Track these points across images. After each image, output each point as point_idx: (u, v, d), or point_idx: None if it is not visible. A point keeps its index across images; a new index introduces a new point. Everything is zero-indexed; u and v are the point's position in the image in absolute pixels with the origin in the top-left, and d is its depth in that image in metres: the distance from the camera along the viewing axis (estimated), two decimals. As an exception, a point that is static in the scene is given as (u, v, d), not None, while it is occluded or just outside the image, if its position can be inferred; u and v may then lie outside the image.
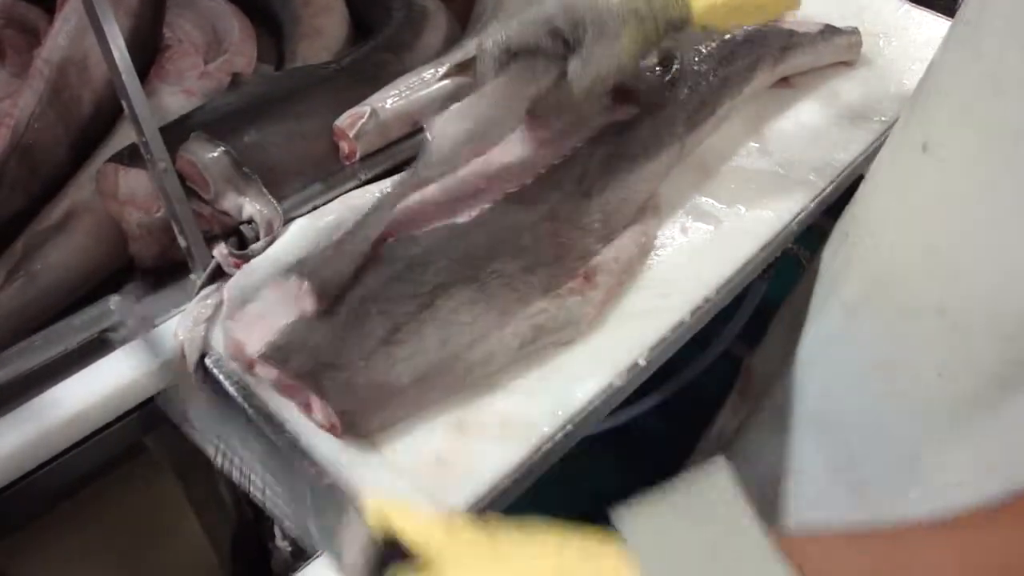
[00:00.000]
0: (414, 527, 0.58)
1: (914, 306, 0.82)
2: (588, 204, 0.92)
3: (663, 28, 0.92)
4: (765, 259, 1.03)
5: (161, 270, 0.96)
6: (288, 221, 0.94)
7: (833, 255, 1.02)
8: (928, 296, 0.80)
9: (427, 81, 1.05)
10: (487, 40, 0.90)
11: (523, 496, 0.80)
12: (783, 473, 1.02)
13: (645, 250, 0.97)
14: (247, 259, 0.91)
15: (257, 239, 0.93)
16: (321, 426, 0.76)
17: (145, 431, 0.90)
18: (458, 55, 1.11)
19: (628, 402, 0.91)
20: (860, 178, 1.37)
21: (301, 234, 0.92)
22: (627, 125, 0.99)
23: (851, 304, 0.93)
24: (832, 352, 0.96)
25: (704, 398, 2.45)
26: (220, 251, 0.90)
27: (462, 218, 0.83)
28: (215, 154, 0.91)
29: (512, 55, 0.90)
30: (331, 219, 0.92)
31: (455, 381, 0.80)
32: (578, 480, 2.10)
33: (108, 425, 0.85)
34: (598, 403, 0.83)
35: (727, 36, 1.16)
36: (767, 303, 1.88)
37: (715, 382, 2.31)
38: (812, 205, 1.10)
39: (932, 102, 0.81)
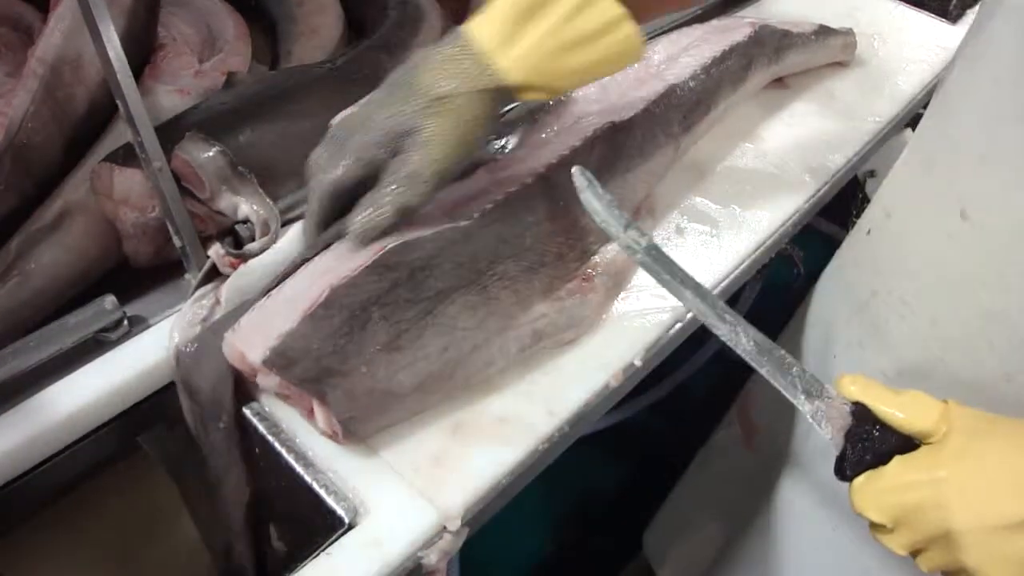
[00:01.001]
0: (901, 403, 0.63)
1: (977, 376, 0.79)
2: None
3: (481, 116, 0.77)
4: (760, 259, 1.04)
5: (156, 270, 0.96)
6: (286, 223, 0.94)
7: (848, 317, 1.00)
8: (992, 364, 0.77)
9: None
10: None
11: (521, 493, 0.81)
12: None
13: None
14: (244, 259, 0.90)
15: (253, 239, 0.93)
16: (323, 433, 0.76)
17: (139, 431, 0.90)
18: (454, 55, 1.11)
19: (623, 400, 0.91)
20: (855, 179, 1.38)
21: (301, 236, 0.91)
22: (623, 126, 0.99)
23: (892, 376, 0.89)
24: None
25: (698, 397, 2.47)
26: (216, 251, 0.90)
27: (464, 220, 0.83)
28: (210, 153, 0.90)
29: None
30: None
31: (455, 386, 0.80)
32: (572, 477, 2.11)
33: (102, 426, 0.85)
34: (594, 404, 0.83)
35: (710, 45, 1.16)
36: (762, 302, 1.88)
37: (710, 380, 2.32)
38: (807, 206, 1.11)
39: (970, 169, 0.78)
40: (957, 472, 0.59)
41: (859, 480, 0.63)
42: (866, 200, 1.60)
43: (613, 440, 1.62)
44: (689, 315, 0.92)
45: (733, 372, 2.33)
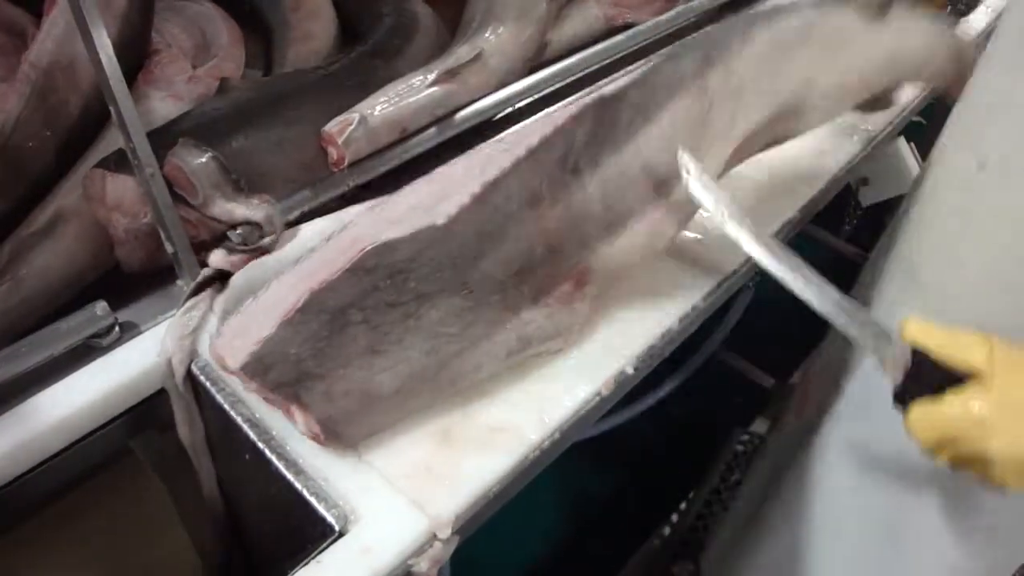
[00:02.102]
0: (954, 343, 0.72)
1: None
2: (579, 182, 0.86)
3: None
4: (752, 267, 1.04)
5: (148, 275, 0.96)
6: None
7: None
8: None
9: (416, 88, 1.05)
10: None
11: (510, 499, 0.81)
12: None
13: (655, 248, 0.92)
14: (260, 253, 0.92)
15: (246, 244, 0.93)
16: (305, 435, 0.76)
17: (131, 436, 0.90)
18: (448, 61, 1.11)
19: (616, 406, 0.91)
20: (848, 187, 1.39)
21: (314, 238, 0.91)
22: (614, 94, 0.90)
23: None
24: None
25: (692, 403, 2.47)
26: (219, 257, 0.91)
27: (441, 219, 0.81)
28: (203, 160, 0.91)
29: None
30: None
31: (440, 389, 0.80)
32: (566, 484, 2.11)
33: (94, 431, 0.85)
34: (585, 412, 0.83)
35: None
36: (754, 309, 1.89)
37: (703, 387, 2.32)
38: (799, 214, 1.11)
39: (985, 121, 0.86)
40: (997, 405, 0.69)
41: (914, 408, 0.73)
42: (859, 207, 1.61)
43: (608, 445, 1.63)
44: (679, 323, 0.93)
45: (725, 379, 2.35)
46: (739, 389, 2.53)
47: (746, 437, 2.38)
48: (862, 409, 1.10)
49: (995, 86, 0.90)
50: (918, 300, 1.01)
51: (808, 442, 1.23)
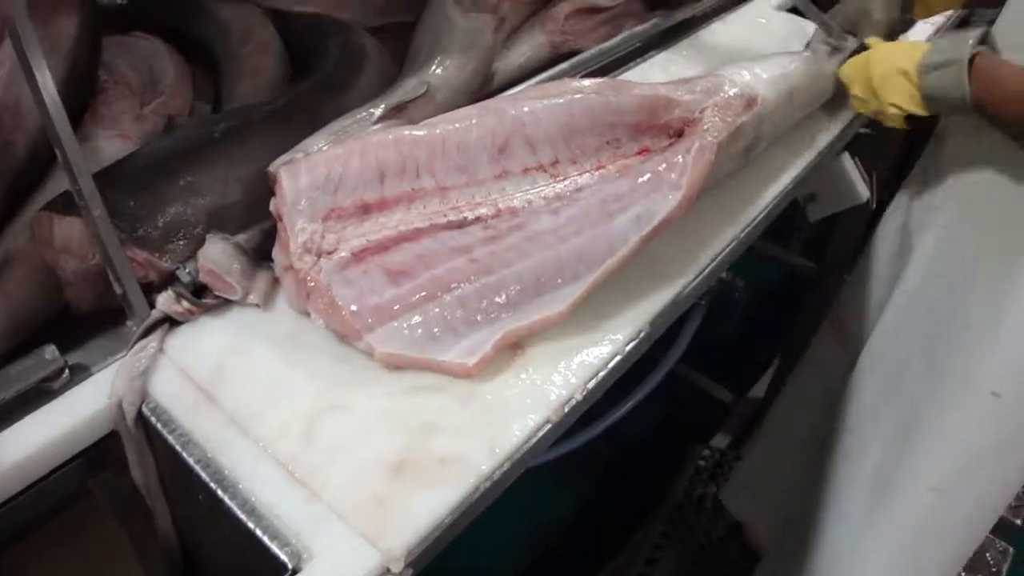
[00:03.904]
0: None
1: None
2: None
3: None
4: (697, 289, 1.05)
5: (98, 316, 0.96)
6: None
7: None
8: None
9: (362, 123, 1.06)
10: None
11: (472, 525, 0.81)
12: None
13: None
14: (204, 309, 0.93)
15: (195, 283, 0.93)
16: None
17: (87, 477, 0.90)
18: (395, 96, 1.12)
19: (575, 427, 0.92)
20: (795, 202, 1.41)
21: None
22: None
23: None
24: None
25: (652, 420, 2.49)
26: (166, 299, 0.91)
27: None
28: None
29: None
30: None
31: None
32: (527, 507, 2.11)
33: (48, 475, 0.84)
34: (535, 440, 0.84)
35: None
36: (708, 325, 1.91)
37: (663, 404, 2.34)
38: (743, 234, 1.13)
39: None
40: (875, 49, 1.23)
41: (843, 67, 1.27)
42: (806, 222, 1.64)
43: (569, 466, 1.63)
44: (629, 347, 0.94)
45: (684, 395, 2.36)
46: (699, 405, 2.55)
47: (707, 452, 2.40)
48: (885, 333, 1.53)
49: None
50: None
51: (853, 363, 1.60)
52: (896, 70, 1.18)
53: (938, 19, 1.79)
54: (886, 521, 1.48)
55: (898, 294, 1.49)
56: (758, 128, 1.12)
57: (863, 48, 1.28)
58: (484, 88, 1.31)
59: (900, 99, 1.18)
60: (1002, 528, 2.20)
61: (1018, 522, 2.29)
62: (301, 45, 1.35)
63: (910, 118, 1.20)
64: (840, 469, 1.61)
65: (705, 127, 1.02)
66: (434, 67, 1.21)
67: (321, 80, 1.20)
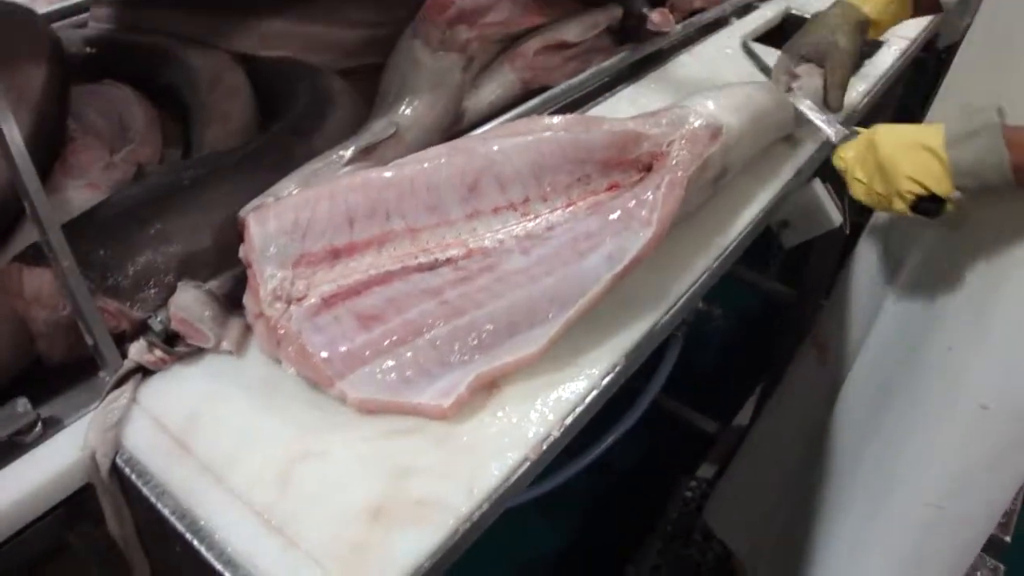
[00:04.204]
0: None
1: None
2: None
3: None
4: (672, 321, 1.06)
5: (71, 367, 0.95)
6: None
7: None
8: None
9: (332, 166, 1.06)
10: None
11: (457, 566, 0.80)
12: None
13: None
14: (177, 357, 0.92)
15: (167, 332, 0.93)
16: None
17: (65, 530, 0.89)
18: (364, 138, 1.13)
19: (558, 463, 0.91)
20: (768, 229, 1.42)
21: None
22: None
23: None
24: None
25: (636, 453, 2.48)
26: (139, 349, 0.91)
27: None
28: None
29: None
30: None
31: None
32: (513, 544, 2.10)
33: (23, 529, 0.83)
34: (515, 479, 0.84)
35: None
36: (688, 356, 1.91)
37: (646, 436, 2.34)
38: (715, 265, 1.13)
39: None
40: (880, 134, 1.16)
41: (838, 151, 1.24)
42: (781, 249, 1.65)
43: (554, 501, 1.62)
44: (605, 381, 0.94)
45: (667, 427, 2.36)
46: (683, 435, 2.55)
47: (694, 483, 2.40)
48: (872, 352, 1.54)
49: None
50: None
51: (839, 384, 1.61)
52: (915, 145, 1.10)
53: (901, 43, 1.82)
54: (882, 540, 1.48)
55: (883, 315, 1.50)
56: (725, 157, 1.13)
57: (853, 134, 1.24)
58: (455, 127, 1.32)
59: (922, 175, 1.09)
60: (992, 546, 2.20)
61: (1007, 539, 2.29)
62: (270, 89, 1.36)
63: (918, 205, 1.12)
64: (830, 489, 1.61)
65: (674, 161, 1.03)
66: (403, 107, 1.22)
67: (291, 124, 1.20)
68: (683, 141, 1.05)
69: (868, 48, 1.61)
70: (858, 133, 1.22)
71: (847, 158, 1.21)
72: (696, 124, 1.08)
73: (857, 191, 1.20)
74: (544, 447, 0.87)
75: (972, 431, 1.34)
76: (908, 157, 1.11)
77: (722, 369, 2.80)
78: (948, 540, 1.45)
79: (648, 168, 1.05)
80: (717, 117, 1.12)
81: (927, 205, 1.11)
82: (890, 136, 1.14)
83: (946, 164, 1.08)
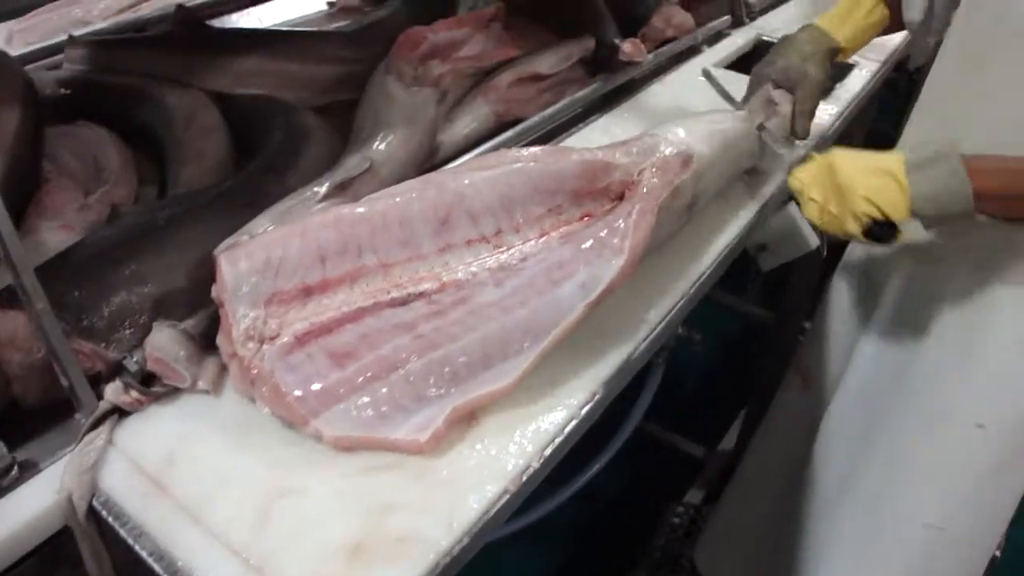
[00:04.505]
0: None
1: None
2: None
3: None
4: (651, 347, 1.06)
5: (47, 409, 0.94)
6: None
7: None
8: None
9: (307, 202, 1.06)
10: None
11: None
12: None
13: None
14: (153, 398, 0.92)
15: (142, 372, 0.93)
16: None
17: (44, 574, 0.88)
18: (338, 174, 1.13)
19: (543, 492, 0.91)
20: (744, 252, 1.43)
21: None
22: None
23: None
24: None
25: (622, 480, 2.48)
26: (114, 390, 0.90)
27: None
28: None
29: None
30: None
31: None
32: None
33: (2, 574, 0.82)
34: (494, 512, 0.83)
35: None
36: (671, 381, 1.91)
37: (632, 463, 2.33)
38: (692, 290, 1.14)
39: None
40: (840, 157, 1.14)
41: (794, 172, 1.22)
42: (759, 273, 1.66)
43: (542, 531, 1.61)
44: (584, 410, 0.94)
45: (653, 453, 2.35)
46: (669, 461, 2.55)
47: (681, 509, 2.39)
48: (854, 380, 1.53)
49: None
50: None
51: (823, 410, 1.61)
52: (875, 169, 1.09)
53: (872, 65, 1.85)
54: (883, 567, 1.47)
55: (864, 342, 1.50)
56: (697, 185, 1.14)
57: (809, 157, 1.21)
58: (429, 161, 1.32)
59: (880, 198, 1.07)
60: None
61: (997, 554, 2.28)
62: (245, 127, 1.36)
63: (871, 230, 1.10)
64: (821, 520, 1.59)
65: (645, 189, 1.03)
66: (377, 143, 1.23)
67: (265, 162, 1.21)
68: (654, 169, 1.06)
69: (839, 71, 1.63)
70: (813, 158, 1.20)
71: (803, 178, 1.19)
72: (667, 152, 1.09)
73: (811, 211, 1.18)
74: (524, 479, 0.87)
75: (969, 450, 1.34)
76: (867, 180, 1.10)
77: (705, 393, 2.81)
78: (952, 562, 1.43)
79: (620, 197, 1.06)
80: (688, 145, 1.13)
81: (880, 231, 1.09)
82: (849, 160, 1.14)
83: (905, 189, 1.08)
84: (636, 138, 1.13)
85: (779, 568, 1.71)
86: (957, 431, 1.34)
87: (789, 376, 1.82)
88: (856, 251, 1.59)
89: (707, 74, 1.75)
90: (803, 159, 1.25)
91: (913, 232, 1.19)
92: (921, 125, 1.37)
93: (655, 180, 1.05)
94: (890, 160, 1.10)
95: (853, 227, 1.11)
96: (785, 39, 1.41)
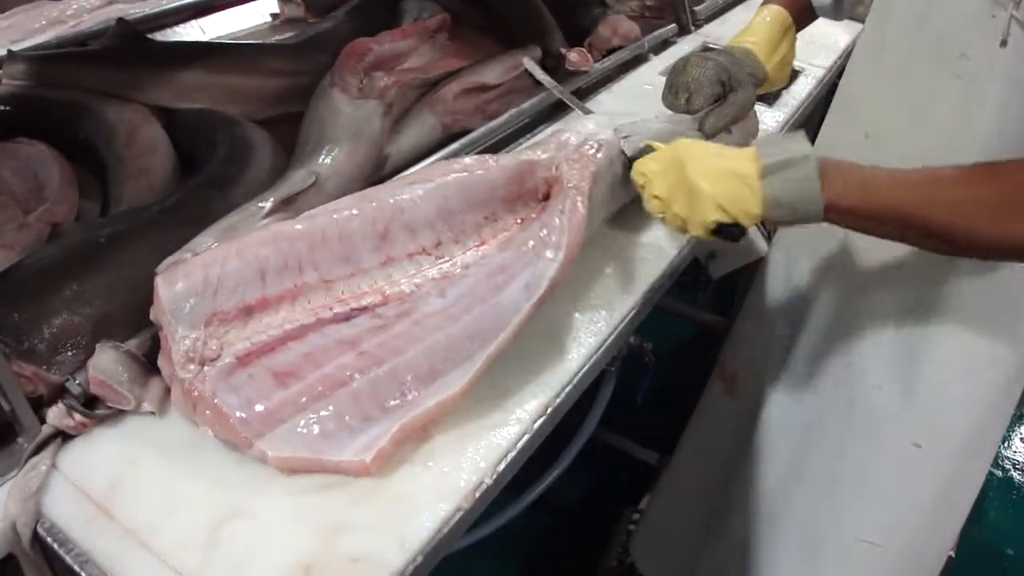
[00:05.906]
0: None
1: None
2: None
3: None
4: (602, 359, 1.06)
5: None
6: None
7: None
8: None
9: (251, 217, 1.05)
10: None
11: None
12: None
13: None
14: (97, 420, 0.91)
15: (85, 394, 0.91)
16: None
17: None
18: (283, 189, 1.12)
19: (499, 503, 0.91)
20: (695, 262, 1.44)
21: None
22: None
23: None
24: None
25: (578, 488, 2.48)
26: (58, 413, 0.88)
27: None
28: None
29: None
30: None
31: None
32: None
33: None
34: (447, 530, 0.83)
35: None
36: (623, 389, 1.92)
37: (587, 471, 2.34)
38: (641, 302, 1.14)
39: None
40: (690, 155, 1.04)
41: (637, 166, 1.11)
42: (709, 280, 1.67)
43: (499, 541, 1.61)
44: (536, 424, 0.94)
45: (608, 460, 2.36)
46: (625, 468, 2.55)
47: (636, 515, 2.39)
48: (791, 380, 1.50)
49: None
50: None
51: (754, 417, 1.57)
52: (727, 173, 1.00)
53: (818, 71, 1.87)
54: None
55: (798, 350, 1.47)
56: (613, 167, 1.16)
57: (649, 149, 1.12)
58: (377, 173, 1.31)
59: (732, 207, 0.99)
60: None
61: (951, 554, 2.31)
62: (189, 141, 1.34)
63: (721, 230, 1.02)
64: (761, 531, 1.59)
65: (569, 184, 1.05)
66: (323, 157, 1.22)
67: (209, 177, 1.19)
68: (571, 160, 1.09)
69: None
70: (653, 149, 1.11)
71: (647, 172, 1.08)
72: (576, 142, 1.13)
73: (653, 207, 1.08)
74: (477, 495, 0.86)
75: (905, 469, 1.33)
76: (719, 185, 1.00)
77: (658, 401, 2.82)
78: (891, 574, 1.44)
79: (546, 196, 1.08)
80: (595, 133, 1.16)
81: (730, 230, 1.02)
82: (699, 159, 1.04)
83: (758, 194, 0.99)
84: (552, 135, 1.17)
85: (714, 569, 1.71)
86: (894, 450, 1.33)
87: (712, 379, 1.82)
88: (779, 254, 1.55)
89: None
90: (636, 150, 1.17)
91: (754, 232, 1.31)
92: (835, 123, 1.39)
93: (574, 172, 1.08)
94: (743, 162, 1.01)
95: (699, 231, 1.04)
96: (728, 51, 1.35)
